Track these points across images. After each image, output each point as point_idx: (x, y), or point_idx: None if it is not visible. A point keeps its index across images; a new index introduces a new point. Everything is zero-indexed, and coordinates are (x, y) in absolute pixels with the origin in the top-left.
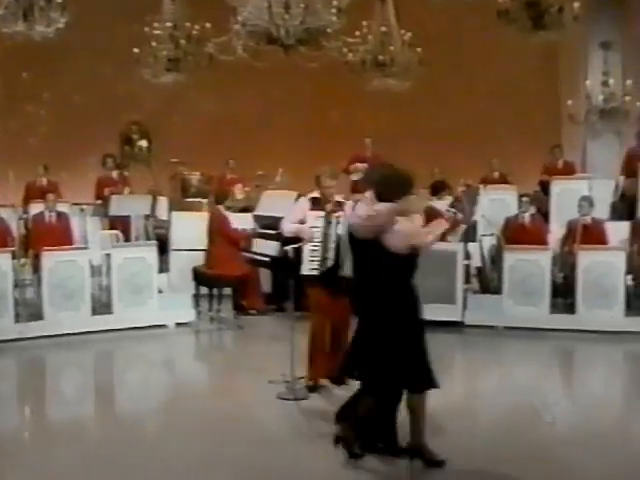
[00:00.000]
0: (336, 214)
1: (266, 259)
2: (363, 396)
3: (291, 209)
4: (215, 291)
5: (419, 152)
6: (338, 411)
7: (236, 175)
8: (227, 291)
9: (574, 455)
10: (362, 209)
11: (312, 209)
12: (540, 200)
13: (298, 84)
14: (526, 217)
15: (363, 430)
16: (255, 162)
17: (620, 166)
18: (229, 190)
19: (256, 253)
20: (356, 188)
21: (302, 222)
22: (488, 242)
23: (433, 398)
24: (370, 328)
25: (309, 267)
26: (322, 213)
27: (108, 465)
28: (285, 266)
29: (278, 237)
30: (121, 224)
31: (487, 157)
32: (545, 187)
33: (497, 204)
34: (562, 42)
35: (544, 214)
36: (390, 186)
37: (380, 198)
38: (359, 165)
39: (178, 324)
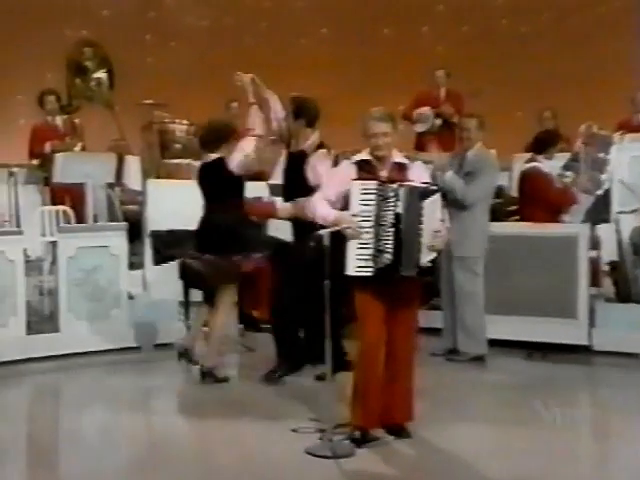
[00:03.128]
0: (394, 185)
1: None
2: None
3: (326, 178)
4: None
5: (515, 89)
6: None
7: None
8: None
9: None
10: None
11: (359, 178)
12: None
13: None
14: None
15: None
16: None
17: None
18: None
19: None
20: (422, 143)
21: (346, 201)
22: (629, 222)
23: None
24: None
25: (356, 264)
26: (374, 184)
27: None
28: (318, 260)
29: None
30: (71, 196)
31: (625, 91)
32: None
33: None
34: None
35: None
36: None
37: None
38: (424, 110)
39: (158, 345)
